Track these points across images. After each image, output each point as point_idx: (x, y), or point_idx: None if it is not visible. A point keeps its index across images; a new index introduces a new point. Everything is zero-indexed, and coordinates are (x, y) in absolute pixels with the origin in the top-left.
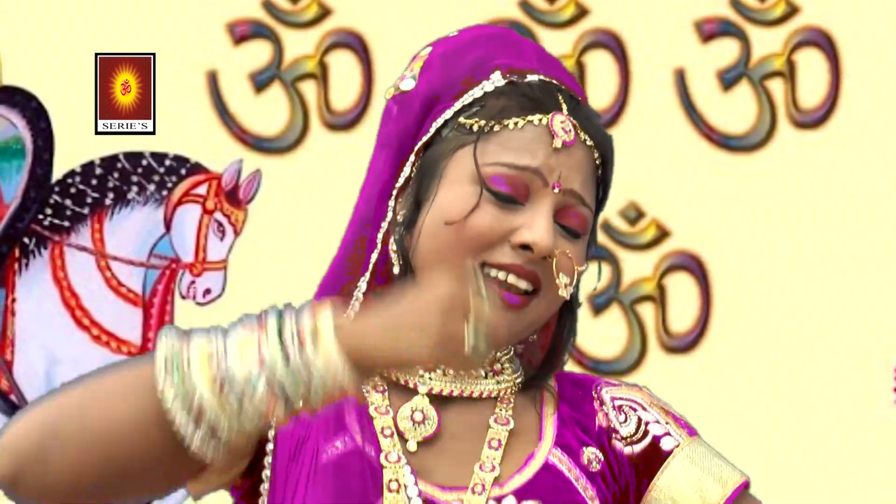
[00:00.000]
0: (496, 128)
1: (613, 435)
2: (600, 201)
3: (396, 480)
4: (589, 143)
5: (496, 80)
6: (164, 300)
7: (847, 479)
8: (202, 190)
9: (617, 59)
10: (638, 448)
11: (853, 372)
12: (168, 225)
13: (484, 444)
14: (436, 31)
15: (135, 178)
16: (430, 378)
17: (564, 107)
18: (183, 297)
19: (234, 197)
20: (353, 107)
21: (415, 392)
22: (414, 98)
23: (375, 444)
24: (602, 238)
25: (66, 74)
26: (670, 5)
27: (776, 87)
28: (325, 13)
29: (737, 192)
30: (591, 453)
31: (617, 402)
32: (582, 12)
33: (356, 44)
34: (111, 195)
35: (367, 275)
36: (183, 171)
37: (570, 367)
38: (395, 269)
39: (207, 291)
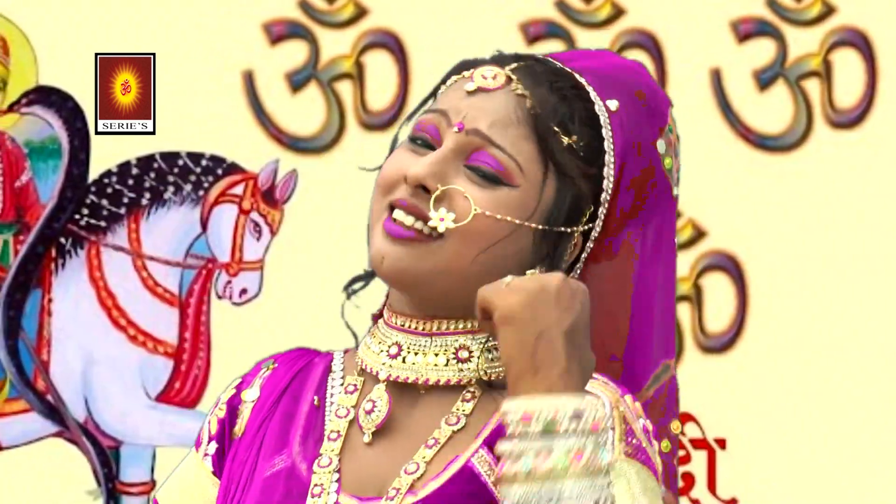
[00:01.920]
0: (441, 89)
1: None
2: (563, 168)
3: (320, 485)
4: (521, 92)
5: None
6: (201, 300)
7: (883, 479)
8: (239, 190)
9: (653, 59)
10: None
11: (889, 372)
12: (204, 225)
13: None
14: (471, 31)
15: (171, 178)
16: (390, 365)
17: (511, 64)
18: (219, 297)
19: (270, 197)
20: (389, 107)
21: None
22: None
23: (312, 455)
24: None
25: (67, 74)
26: (706, 5)
27: (812, 87)
28: (361, 13)
29: (773, 193)
30: None
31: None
32: (618, 12)
33: (392, 44)
34: (148, 195)
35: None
36: (219, 171)
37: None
38: None
39: (244, 291)
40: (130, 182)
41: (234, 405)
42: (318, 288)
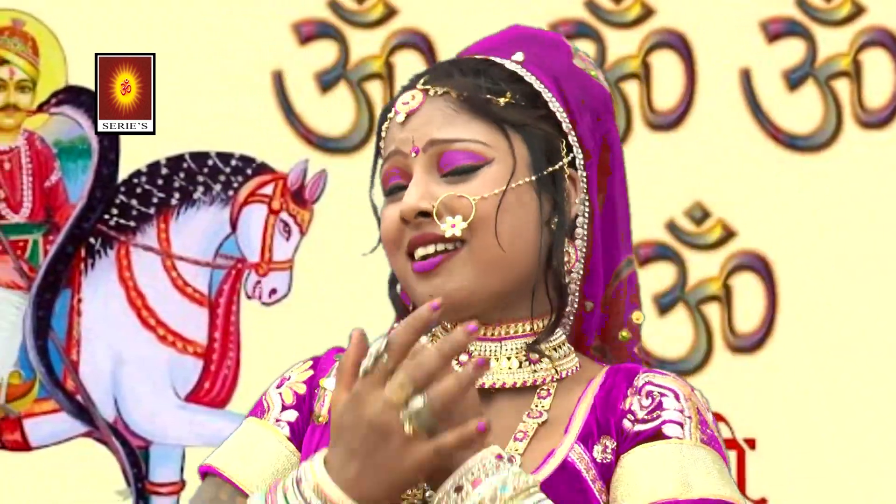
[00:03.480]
0: (382, 144)
1: (628, 416)
2: (518, 122)
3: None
4: (440, 92)
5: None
6: (230, 300)
7: None
8: (268, 190)
9: (683, 58)
10: (644, 427)
11: None
12: (234, 225)
13: (511, 436)
14: (499, 30)
15: (201, 178)
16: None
17: (421, 80)
18: (249, 297)
19: (299, 197)
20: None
21: None
22: None
23: None
24: (668, 238)
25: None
26: (736, 5)
27: (842, 87)
28: (390, 13)
29: (802, 192)
30: (602, 444)
31: (648, 388)
32: (648, 12)
33: (422, 43)
34: (177, 195)
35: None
36: (249, 171)
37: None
38: None
39: (273, 291)
40: (160, 182)
41: (312, 386)
42: (347, 288)
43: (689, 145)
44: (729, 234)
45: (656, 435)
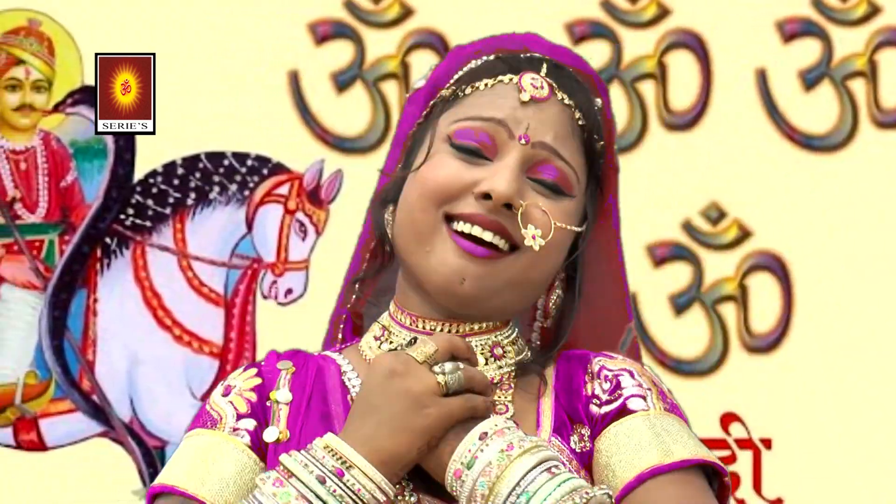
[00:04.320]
0: (468, 90)
1: (594, 401)
2: (595, 172)
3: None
4: (567, 101)
5: (486, 58)
6: (246, 300)
7: None
8: (284, 190)
9: (699, 59)
10: (609, 408)
11: None
12: (250, 225)
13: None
14: (516, 31)
15: (216, 178)
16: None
17: (545, 68)
18: (265, 297)
19: (315, 197)
20: None
21: None
22: (421, 93)
23: None
24: (684, 238)
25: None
26: (752, 5)
27: (858, 87)
28: (406, 13)
29: (818, 192)
30: (578, 433)
31: (604, 372)
32: (664, 12)
33: (438, 43)
34: (193, 195)
35: (365, 263)
36: (265, 171)
37: (652, 366)
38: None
39: (289, 291)
40: (176, 182)
41: (262, 395)
42: None
43: (704, 145)
44: (745, 234)
45: (622, 412)
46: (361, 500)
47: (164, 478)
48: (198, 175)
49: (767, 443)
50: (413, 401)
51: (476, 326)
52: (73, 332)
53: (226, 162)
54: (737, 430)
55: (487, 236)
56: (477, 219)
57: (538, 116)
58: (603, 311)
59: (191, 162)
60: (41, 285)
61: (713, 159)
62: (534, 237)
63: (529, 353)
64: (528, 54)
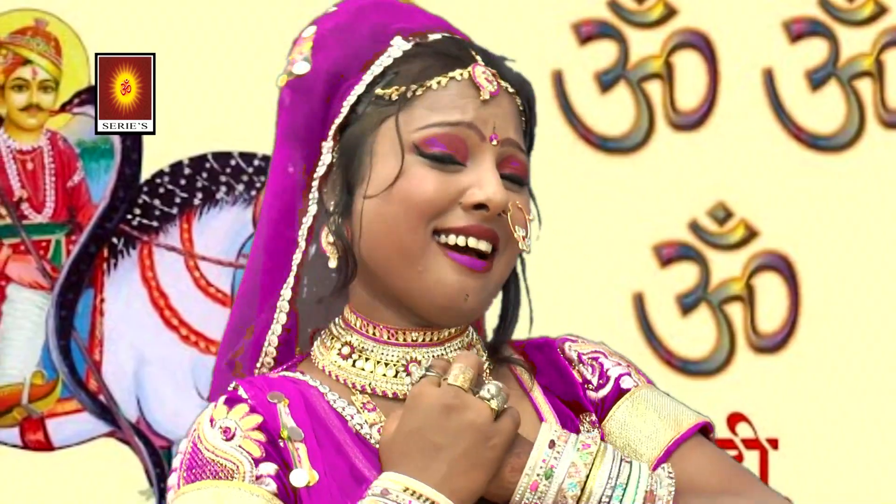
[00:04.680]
0: (418, 91)
1: (587, 386)
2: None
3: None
4: (511, 90)
5: (400, 44)
6: None
7: None
8: None
9: (705, 58)
10: (605, 392)
11: None
12: (257, 225)
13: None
14: (523, 31)
15: (223, 178)
16: (409, 384)
17: (479, 58)
18: None
19: None
20: None
21: (404, 400)
22: (314, 80)
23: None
24: (691, 238)
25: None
26: (759, 5)
27: (865, 87)
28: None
29: (825, 192)
30: (587, 422)
31: (583, 357)
32: (671, 12)
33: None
34: (200, 195)
35: (291, 280)
36: None
37: (658, 366)
38: (332, 263)
39: None
40: (182, 182)
41: (273, 433)
42: None
43: (711, 145)
44: (752, 234)
45: (618, 393)
46: None
47: None
48: (205, 175)
49: (774, 443)
50: (479, 434)
51: (452, 331)
52: (79, 332)
53: (233, 162)
54: (743, 430)
55: (483, 246)
56: (473, 230)
57: (499, 112)
58: None
59: (198, 162)
60: (48, 285)
61: (720, 159)
62: (523, 238)
63: (485, 350)
64: (448, 37)
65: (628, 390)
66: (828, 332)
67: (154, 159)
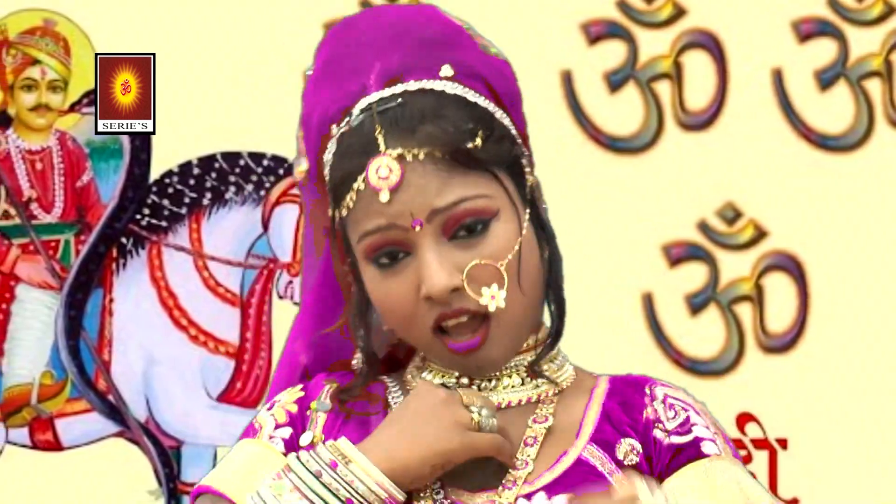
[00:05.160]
0: (345, 211)
1: (657, 425)
2: (501, 157)
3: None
4: (421, 155)
5: (331, 146)
6: (262, 300)
7: None
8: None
9: (714, 59)
10: (679, 440)
11: None
12: (266, 225)
13: (521, 442)
14: (532, 31)
15: (232, 178)
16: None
17: (381, 142)
18: (280, 297)
19: None
20: None
21: None
22: (308, 178)
23: None
24: (700, 238)
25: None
26: (768, 5)
27: (874, 87)
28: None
29: (834, 192)
30: (628, 445)
31: (669, 400)
32: (680, 12)
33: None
34: (209, 195)
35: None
36: (281, 171)
37: (667, 366)
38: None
39: None
40: (192, 182)
41: (304, 407)
42: None
43: (720, 145)
44: (761, 234)
45: (696, 453)
46: (357, 493)
47: (209, 479)
48: (214, 175)
49: (783, 443)
50: (441, 425)
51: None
52: (88, 332)
53: (242, 162)
54: (752, 431)
55: (463, 319)
56: (444, 317)
57: (407, 196)
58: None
59: (207, 162)
60: (57, 285)
61: (729, 159)
62: (493, 297)
63: (574, 371)
64: (359, 114)
65: (707, 456)
66: (837, 333)
67: (163, 159)
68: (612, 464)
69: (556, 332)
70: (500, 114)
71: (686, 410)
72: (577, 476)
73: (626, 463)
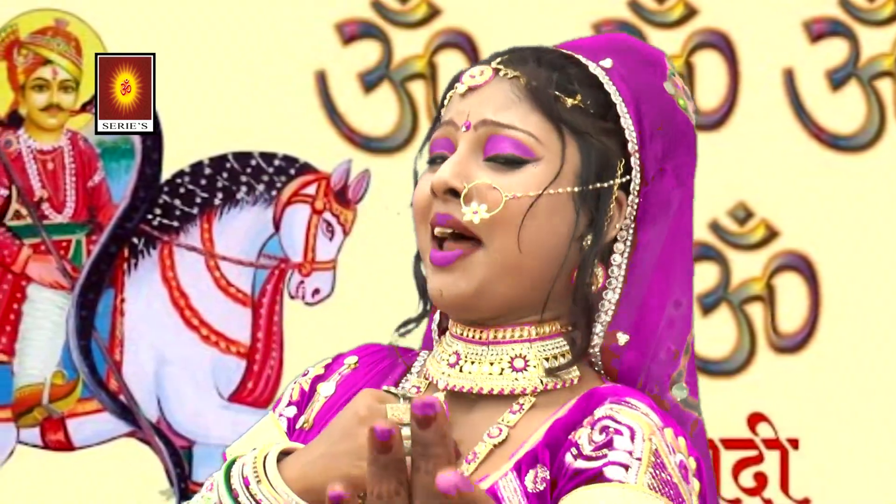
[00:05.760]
0: (443, 111)
1: (571, 449)
2: (577, 128)
3: None
4: (511, 75)
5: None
6: (273, 300)
7: None
8: (311, 190)
9: (726, 58)
10: (584, 465)
11: None
12: (277, 225)
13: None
14: (544, 30)
15: (244, 178)
16: (448, 374)
17: (499, 59)
18: (292, 297)
19: (342, 197)
20: None
21: (439, 388)
22: None
23: None
24: (711, 238)
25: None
26: (779, 5)
27: (885, 87)
28: (434, 13)
29: (846, 192)
30: (534, 474)
31: (604, 422)
32: (691, 12)
33: (465, 43)
34: (220, 195)
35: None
36: (292, 171)
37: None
38: None
39: (316, 291)
40: (203, 182)
41: (314, 387)
42: (390, 288)
43: (732, 145)
44: (772, 234)
45: (596, 477)
46: None
47: (231, 446)
48: (225, 175)
49: (795, 443)
50: (354, 450)
51: (501, 334)
52: (100, 332)
53: (253, 162)
54: (764, 431)
55: (447, 234)
56: (436, 220)
57: (477, 100)
58: (643, 311)
59: (218, 162)
60: (68, 285)
61: (740, 159)
62: (475, 213)
63: (577, 377)
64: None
65: (608, 480)
66: (848, 332)
67: (174, 159)
68: (524, 498)
69: (586, 341)
70: (626, 119)
71: (618, 434)
72: None
73: (531, 490)
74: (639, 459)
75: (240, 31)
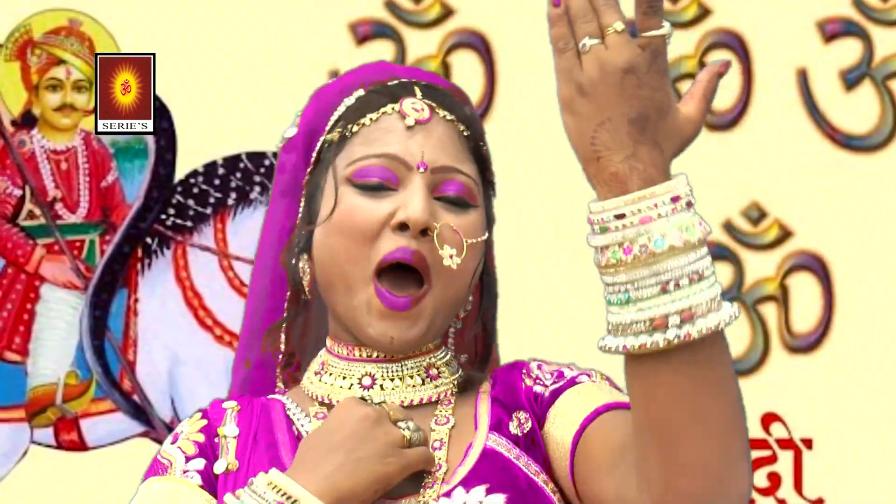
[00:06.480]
0: (354, 129)
1: (537, 384)
2: (486, 177)
3: None
4: (449, 117)
5: (357, 94)
6: None
7: None
8: None
9: (740, 58)
10: (558, 385)
11: None
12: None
13: (428, 447)
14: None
15: (257, 178)
16: (369, 392)
17: (418, 92)
18: None
19: None
20: (476, 105)
21: None
22: (297, 139)
23: None
24: (724, 238)
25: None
26: (793, 5)
27: None
28: (448, 13)
29: (859, 192)
30: (516, 418)
31: (543, 367)
32: (704, 12)
33: (478, 43)
34: (234, 195)
35: (284, 320)
36: None
37: None
38: (305, 295)
39: None
40: (216, 182)
41: (211, 434)
42: None
43: (745, 145)
44: (786, 234)
45: (573, 382)
46: None
47: None
48: (238, 175)
49: (808, 443)
50: (381, 449)
51: (411, 351)
52: (113, 332)
53: (266, 162)
54: (778, 431)
55: (406, 272)
56: (398, 254)
57: (429, 141)
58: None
59: (232, 162)
60: (82, 285)
61: (754, 159)
62: (451, 256)
63: (461, 371)
64: (398, 81)
65: (582, 382)
66: (862, 332)
67: (188, 159)
68: (515, 448)
69: (486, 355)
70: (487, 152)
71: (560, 367)
72: (486, 465)
73: (521, 434)
74: (590, 373)
75: (255, 30)
